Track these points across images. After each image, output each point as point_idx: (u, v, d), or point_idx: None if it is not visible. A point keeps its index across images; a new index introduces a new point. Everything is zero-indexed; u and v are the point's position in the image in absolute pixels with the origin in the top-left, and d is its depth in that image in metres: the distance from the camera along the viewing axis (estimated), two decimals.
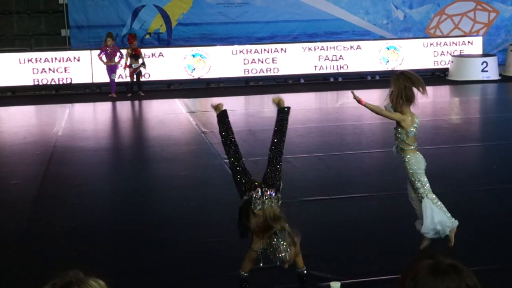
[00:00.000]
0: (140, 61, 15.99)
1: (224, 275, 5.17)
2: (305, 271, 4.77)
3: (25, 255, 5.92)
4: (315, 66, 18.07)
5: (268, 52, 17.81)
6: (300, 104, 14.80)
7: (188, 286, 5.19)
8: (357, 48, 18.29)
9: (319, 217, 6.88)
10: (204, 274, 5.27)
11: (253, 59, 17.70)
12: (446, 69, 18.53)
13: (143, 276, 5.35)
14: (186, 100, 15.20)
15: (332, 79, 18.24)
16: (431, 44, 18.82)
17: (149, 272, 5.44)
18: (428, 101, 15.30)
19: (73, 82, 16.98)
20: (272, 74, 17.86)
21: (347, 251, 5.88)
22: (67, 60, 16.90)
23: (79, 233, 6.51)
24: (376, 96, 16.01)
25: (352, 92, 5.91)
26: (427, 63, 18.73)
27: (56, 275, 2.06)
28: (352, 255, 5.78)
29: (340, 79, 18.24)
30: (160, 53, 17.30)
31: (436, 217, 5.56)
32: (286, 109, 5.81)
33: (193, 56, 17.45)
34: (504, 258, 5.56)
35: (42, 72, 16.79)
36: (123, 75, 16.38)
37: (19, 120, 13.63)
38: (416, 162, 5.81)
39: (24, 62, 16.73)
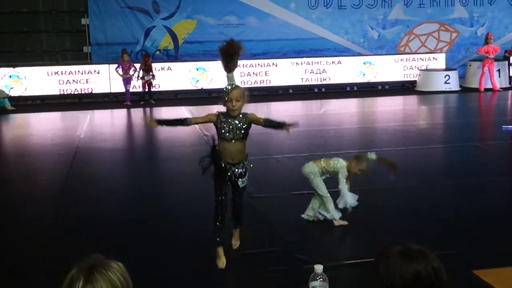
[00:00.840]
0: (151, 74, 16.04)
1: (228, 262, 5.13)
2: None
3: (50, 242, 5.90)
4: (302, 78, 18.10)
5: (261, 66, 17.83)
6: (289, 111, 14.83)
7: (192, 269, 5.17)
8: (338, 63, 18.33)
9: (304, 208, 6.87)
10: (207, 258, 5.25)
11: (249, 72, 17.72)
12: (414, 81, 18.57)
13: (155, 259, 5.33)
14: (190, 107, 15.18)
15: (316, 90, 18.25)
16: (401, 60, 18.86)
17: (159, 256, 5.43)
18: (399, 109, 15.37)
19: (93, 92, 16.97)
20: (265, 85, 17.87)
21: (328, 238, 5.89)
22: (88, 73, 16.89)
23: (98, 223, 6.49)
24: (354, 104, 16.10)
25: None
26: (398, 76, 18.78)
27: (81, 259, 2.05)
28: (333, 241, 5.78)
29: (323, 89, 18.26)
30: (169, 67, 17.31)
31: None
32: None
33: (197, 69, 17.47)
34: (461, 243, 5.57)
35: (66, 83, 16.77)
36: (136, 86, 16.36)
37: (47, 125, 13.60)
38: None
39: (51, 75, 16.70)
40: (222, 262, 5.02)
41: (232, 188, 5.17)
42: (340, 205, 6.14)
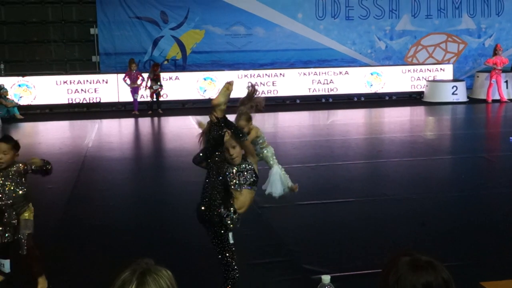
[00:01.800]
0: (159, 83, 16.09)
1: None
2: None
3: (57, 248, 5.91)
4: (309, 89, 18.11)
5: (268, 76, 17.86)
6: (296, 121, 14.84)
7: (199, 276, 5.17)
8: (345, 73, 18.34)
9: (311, 218, 6.87)
10: (213, 267, 5.24)
11: (256, 82, 17.72)
12: (422, 92, 18.55)
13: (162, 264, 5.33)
14: (198, 117, 15.17)
15: (323, 100, 18.26)
16: (408, 71, 18.86)
17: (165, 264, 5.42)
18: (406, 119, 15.35)
19: (101, 101, 17.04)
20: (272, 95, 17.87)
21: (335, 248, 5.87)
22: (96, 82, 16.97)
23: (105, 230, 6.51)
24: (361, 114, 16.09)
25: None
26: (405, 87, 18.77)
27: (132, 262, 2.08)
28: (340, 252, 5.77)
29: (330, 100, 18.26)
30: (176, 76, 17.37)
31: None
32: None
33: (205, 79, 17.51)
34: (468, 255, 5.55)
35: (75, 92, 16.85)
36: (144, 95, 16.41)
37: (55, 133, 13.65)
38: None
39: (60, 84, 16.79)
40: None
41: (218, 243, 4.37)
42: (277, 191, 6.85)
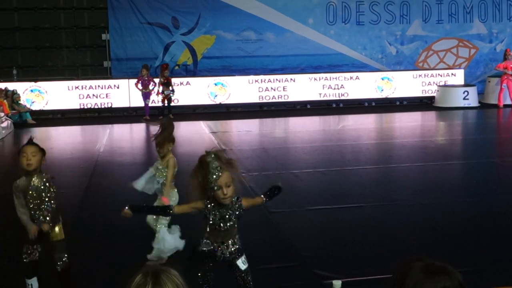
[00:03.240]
0: (170, 88, 16.13)
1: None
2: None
3: (68, 252, 5.92)
4: (320, 94, 18.10)
5: (279, 81, 17.86)
6: (306, 126, 14.83)
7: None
8: (356, 78, 18.32)
9: (322, 223, 6.85)
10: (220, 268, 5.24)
11: (267, 88, 17.76)
12: (433, 97, 18.49)
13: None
14: (209, 122, 15.24)
15: (334, 105, 18.25)
16: (419, 76, 18.81)
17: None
18: (417, 124, 15.30)
19: (113, 106, 17.11)
20: (283, 100, 17.90)
21: (346, 253, 5.85)
22: (108, 88, 17.04)
23: (116, 234, 6.52)
24: (372, 119, 16.05)
25: None
26: (416, 91, 18.72)
27: (141, 266, 2.11)
28: (351, 257, 5.75)
29: (341, 105, 18.25)
30: (187, 82, 17.41)
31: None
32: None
33: (215, 84, 17.54)
34: (480, 260, 5.52)
35: (87, 97, 16.93)
36: (155, 100, 16.46)
37: (67, 138, 13.73)
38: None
39: (72, 89, 16.88)
40: None
41: (235, 275, 4.23)
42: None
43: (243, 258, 4.17)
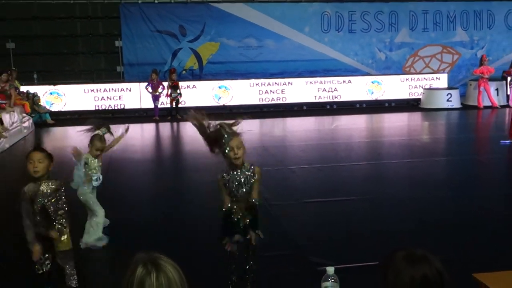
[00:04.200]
0: (178, 91, 16.15)
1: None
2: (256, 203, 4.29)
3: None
4: (315, 96, 18.10)
5: (278, 85, 17.87)
6: (303, 126, 14.84)
7: (210, 269, 5.18)
8: (348, 82, 18.31)
9: (317, 215, 6.88)
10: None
11: (266, 90, 17.77)
12: (419, 99, 18.48)
13: (179, 260, 5.34)
14: (213, 122, 15.23)
15: (328, 107, 18.23)
16: (406, 79, 18.80)
17: (182, 255, 5.45)
18: (404, 124, 15.31)
19: (125, 108, 17.12)
20: (281, 102, 17.90)
21: (339, 242, 5.88)
22: (121, 90, 17.05)
23: (130, 223, 6.56)
24: (363, 120, 16.06)
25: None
26: (403, 94, 18.71)
27: (134, 259, 2.03)
28: (343, 245, 5.77)
29: (334, 106, 18.23)
30: (194, 85, 17.42)
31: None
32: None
33: (219, 87, 17.55)
34: (461, 248, 5.54)
35: (101, 99, 16.95)
36: (164, 102, 16.47)
37: (84, 137, 13.71)
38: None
39: (88, 92, 16.89)
40: None
41: (246, 246, 4.42)
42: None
43: (258, 231, 4.35)
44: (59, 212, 4.30)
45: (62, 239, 4.36)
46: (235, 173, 4.20)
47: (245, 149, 4.19)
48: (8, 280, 5.04)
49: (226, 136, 4.13)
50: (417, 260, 2.06)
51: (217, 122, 4.24)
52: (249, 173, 4.24)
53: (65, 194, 4.36)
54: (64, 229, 4.36)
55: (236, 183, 4.21)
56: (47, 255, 4.33)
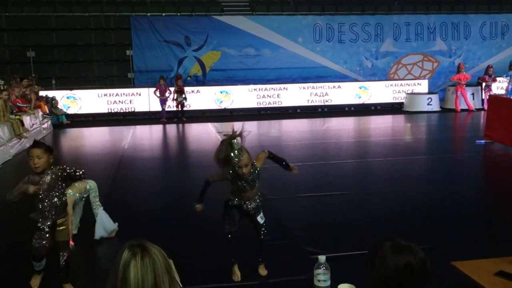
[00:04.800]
0: (183, 96, 16.12)
1: (248, 252, 5.10)
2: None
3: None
4: (308, 100, 18.10)
5: (274, 90, 17.86)
6: (296, 127, 14.82)
7: (210, 258, 5.16)
8: (338, 87, 18.32)
9: (310, 208, 6.86)
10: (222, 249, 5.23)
11: (264, 95, 17.75)
12: (402, 103, 18.50)
13: (184, 246, 5.33)
14: (215, 123, 15.24)
15: (320, 110, 18.24)
16: (391, 85, 18.81)
17: (187, 243, 5.43)
18: (389, 126, 15.30)
19: (135, 111, 17.09)
20: (277, 105, 17.90)
21: (330, 233, 5.86)
22: (131, 95, 17.03)
23: (140, 216, 6.53)
24: (351, 121, 16.05)
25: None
26: (388, 98, 18.73)
27: (131, 240, 1.99)
28: (334, 236, 5.75)
29: (325, 109, 18.25)
30: (198, 90, 17.41)
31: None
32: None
33: (221, 92, 17.54)
34: (441, 239, 5.52)
35: (114, 103, 16.92)
36: (171, 106, 16.45)
37: (97, 137, 13.72)
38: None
39: (101, 96, 16.87)
40: (237, 276, 4.58)
41: (254, 227, 4.58)
42: (97, 235, 5.55)
43: (261, 214, 4.50)
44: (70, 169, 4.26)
45: (61, 228, 4.29)
46: (242, 181, 4.29)
47: (251, 159, 4.21)
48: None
49: (236, 159, 4.03)
50: (402, 249, 2.04)
51: (224, 139, 4.10)
52: (254, 173, 4.33)
53: (72, 172, 4.27)
54: (64, 219, 4.30)
55: (246, 184, 4.32)
56: (45, 234, 4.20)
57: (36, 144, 4.28)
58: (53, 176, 4.21)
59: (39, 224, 4.22)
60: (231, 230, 4.47)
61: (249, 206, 4.44)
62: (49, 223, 4.23)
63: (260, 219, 4.51)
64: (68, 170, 4.27)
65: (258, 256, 4.70)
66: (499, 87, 18.56)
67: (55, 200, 4.24)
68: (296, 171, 4.71)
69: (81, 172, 4.33)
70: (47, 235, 4.23)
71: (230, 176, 4.25)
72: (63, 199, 4.31)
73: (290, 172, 4.76)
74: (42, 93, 15.85)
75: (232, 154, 4.01)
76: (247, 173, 4.20)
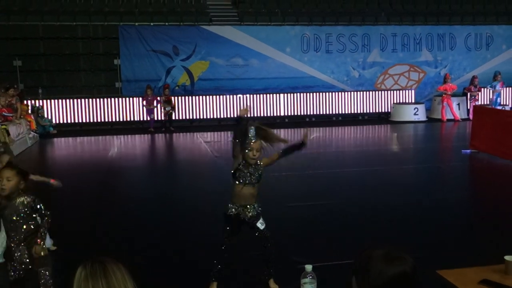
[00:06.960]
0: (171, 105, 16.10)
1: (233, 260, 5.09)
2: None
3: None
4: (296, 110, 18.16)
5: (262, 99, 17.91)
6: (285, 136, 14.81)
7: (197, 267, 5.14)
8: (325, 97, 18.40)
9: (296, 218, 6.87)
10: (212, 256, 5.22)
11: (252, 104, 17.78)
12: (389, 113, 18.62)
13: (173, 248, 5.31)
14: (203, 133, 15.22)
15: (307, 119, 18.30)
16: (378, 95, 18.94)
17: (177, 246, 5.41)
18: (375, 135, 15.39)
19: (123, 120, 17.02)
20: (265, 115, 17.92)
21: (318, 244, 5.87)
22: (119, 104, 16.96)
23: (124, 219, 6.50)
24: (339, 131, 16.12)
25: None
26: (375, 108, 18.85)
27: (88, 259, 1.91)
28: (322, 246, 5.76)
29: (313, 119, 18.31)
30: (186, 99, 17.38)
31: None
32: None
33: (210, 101, 17.51)
34: (426, 247, 5.55)
35: (101, 112, 16.84)
36: (158, 115, 16.41)
37: (85, 146, 13.64)
38: None
39: (89, 105, 16.78)
40: None
41: (256, 235, 4.58)
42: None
43: (261, 220, 4.55)
44: (40, 230, 3.79)
45: (38, 247, 3.78)
46: (246, 169, 4.40)
47: (261, 153, 4.39)
48: None
49: (251, 136, 4.29)
50: (395, 258, 2.04)
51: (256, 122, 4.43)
52: (257, 168, 4.44)
53: (41, 209, 3.81)
54: (42, 239, 3.82)
55: (245, 175, 4.40)
56: (18, 265, 3.77)
57: (9, 164, 3.97)
58: (23, 204, 3.75)
59: None
60: (227, 242, 4.51)
61: (248, 215, 4.49)
62: (16, 257, 3.81)
63: (260, 225, 4.55)
64: (38, 206, 3.81)
65: (267, 269, 4.68)
66: (485, 98, 18.78)
67: (22, 230, 3.79)
68: (307, 138, 4.98)
69: (48, 213, 3.85)
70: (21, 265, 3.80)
71: (241, 156, 4.34)
72: (32, 227, 3.83)
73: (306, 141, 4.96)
74: (29, 102, 15.72)
75: (250, 130, 4.28)
76: (254, 160, 4.33)
